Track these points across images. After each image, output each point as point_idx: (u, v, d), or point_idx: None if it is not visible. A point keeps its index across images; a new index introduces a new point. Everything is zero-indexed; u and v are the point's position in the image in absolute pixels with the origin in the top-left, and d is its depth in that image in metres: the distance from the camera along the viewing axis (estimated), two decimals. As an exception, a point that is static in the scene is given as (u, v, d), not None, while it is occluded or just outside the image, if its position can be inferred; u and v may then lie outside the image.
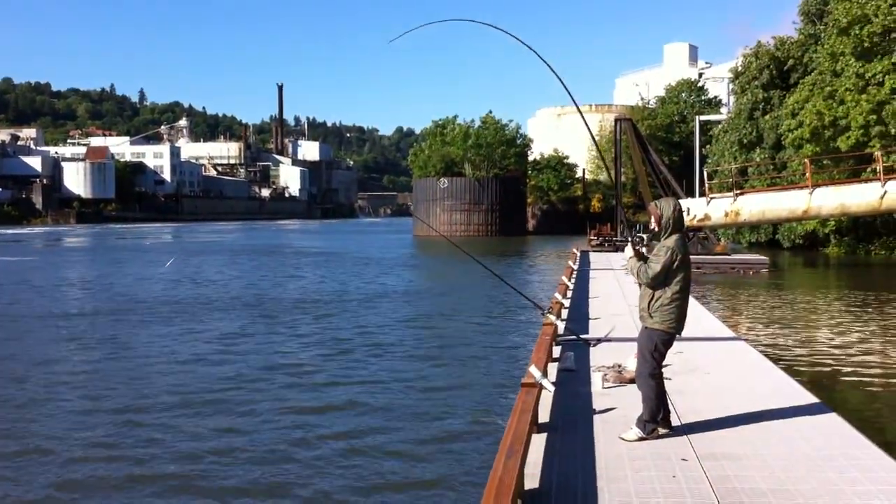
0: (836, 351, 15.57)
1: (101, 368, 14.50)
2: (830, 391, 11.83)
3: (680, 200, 38.05)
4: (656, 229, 6.97)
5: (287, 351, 16.28)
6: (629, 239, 7.35)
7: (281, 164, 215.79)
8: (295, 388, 12.80)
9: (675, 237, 6.89)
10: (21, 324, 20.22)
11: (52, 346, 16.87)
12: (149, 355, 15.77)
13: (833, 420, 7.45)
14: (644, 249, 7.18)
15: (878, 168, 32.07)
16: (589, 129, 10.53)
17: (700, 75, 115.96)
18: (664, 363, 6.89)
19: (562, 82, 8.80)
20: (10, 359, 15.39)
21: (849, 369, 13.71)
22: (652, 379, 6.94)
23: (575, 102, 8.99)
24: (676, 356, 10.13)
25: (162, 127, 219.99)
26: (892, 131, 39.15)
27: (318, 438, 10.01)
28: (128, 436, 10.19)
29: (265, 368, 14.41)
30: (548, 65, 9.03)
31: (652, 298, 6.95)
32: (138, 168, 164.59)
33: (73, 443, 9.88)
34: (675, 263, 6.83)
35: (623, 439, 6.83)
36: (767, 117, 52.97)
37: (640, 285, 7.13)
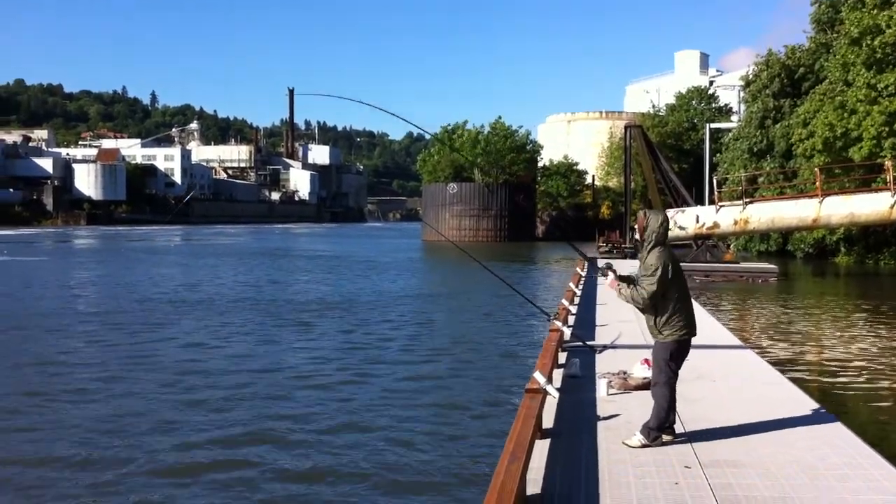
0: (843, 361, 15.51)
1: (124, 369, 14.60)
2: (836, 401, 11.79)
3: (689, 208, 37.88)
4: (639, 238, 6.98)
5: (292, 357, 16.35)
6: (601, 271, 7.41)
7: (291, 168, 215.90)
8: (290, 397, 12.83)
9: (657, 251, 6.91)
10: (35, 323, 20.35)
11: (85, 348, 16.97)
12: (163, 360, 15.87)
13: (838, 430, 7.44)
14: (633, 272, 7.18)
15: (888, 178, 32.00)
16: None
17: (711, 83, 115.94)
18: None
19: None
20: (23, 358, 15.51)
21: (855, 379, 13.67)
22: (666, 388, 6.96)
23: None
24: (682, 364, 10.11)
25: (173, 129, 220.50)
26: (905, 143, 38.92)
27: (318, 431, 10.05)
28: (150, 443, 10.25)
29: (268, 371, 14.48)
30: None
31: (657, 314, 6.96)
32: (149, 170, 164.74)
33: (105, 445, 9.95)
34: (669, 277, 6.85)
35: (626, 445, 6.85)
36: (778, 126, 52.86)
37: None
